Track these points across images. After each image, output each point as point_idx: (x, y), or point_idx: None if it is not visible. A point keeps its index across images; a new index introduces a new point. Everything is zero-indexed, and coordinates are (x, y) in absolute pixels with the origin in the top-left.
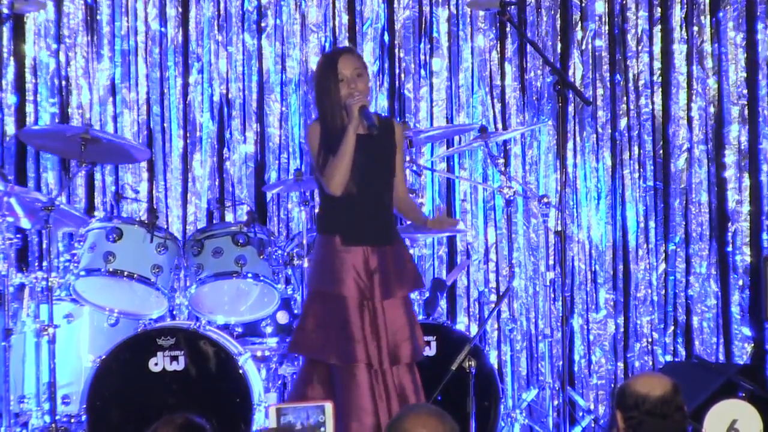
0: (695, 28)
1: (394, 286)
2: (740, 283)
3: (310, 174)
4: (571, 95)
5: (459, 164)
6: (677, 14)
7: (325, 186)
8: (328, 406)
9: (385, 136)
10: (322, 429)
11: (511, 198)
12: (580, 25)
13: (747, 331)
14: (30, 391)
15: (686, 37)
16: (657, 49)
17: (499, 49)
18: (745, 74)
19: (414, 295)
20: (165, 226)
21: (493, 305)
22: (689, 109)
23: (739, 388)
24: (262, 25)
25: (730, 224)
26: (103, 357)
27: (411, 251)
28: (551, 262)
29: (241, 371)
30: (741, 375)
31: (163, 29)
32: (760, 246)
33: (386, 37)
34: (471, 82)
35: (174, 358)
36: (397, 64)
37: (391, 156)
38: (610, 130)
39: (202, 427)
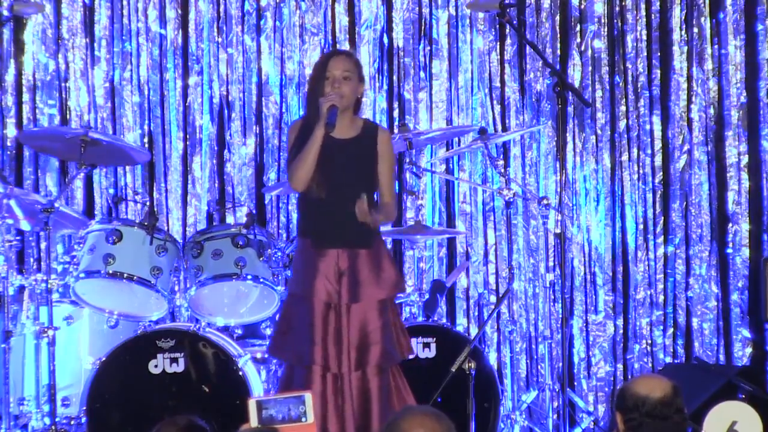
0: (695, 30)
1: (366, 290)
2: (740, 284)
3: None
4: (570, 97)
5: (459, 166)
6: (677, 15)
7: (288, 181)
8: (308, 396)
9: (366, 143)
10: (303, 419)
11: (511, 200)
12: (579, 26)
13: (746, 333)
14: (30, 393)
15: (686, 39)
16: (656, 50)
17: (498, 50)
18: (744, 76)
19: (414, 297)
20: (165, 228)
21: (492, 307)
22: (689, 110)
23: (738, 389)
24: (262, 26)
25: (729, 226)
26: (103, 359)
27: (410, 252)
28: (551, 263)
29: (240, 373)
30: (741, 376)
31: (162, 31)
32: (760, 247)
33: (386, 39)
34: (470, 83)
35: (174, 360)
36: (396, 66)
37: (370, 163)
38: (609, 132)
39: (204, 429)
